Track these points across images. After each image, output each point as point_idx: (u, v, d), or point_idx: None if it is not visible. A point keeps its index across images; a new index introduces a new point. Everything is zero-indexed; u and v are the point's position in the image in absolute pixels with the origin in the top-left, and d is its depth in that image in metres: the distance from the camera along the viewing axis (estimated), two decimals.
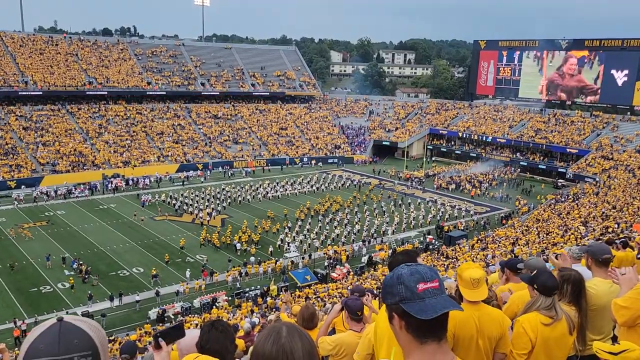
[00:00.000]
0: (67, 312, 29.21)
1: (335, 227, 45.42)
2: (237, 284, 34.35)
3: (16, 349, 24.80)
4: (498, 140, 73.68)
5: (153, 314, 29.78)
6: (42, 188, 53.69)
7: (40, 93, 68.13)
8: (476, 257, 32.32)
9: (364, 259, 38.78)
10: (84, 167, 60.13)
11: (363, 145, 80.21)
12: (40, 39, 78.29)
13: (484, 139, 75.05)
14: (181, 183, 60.08)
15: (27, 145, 60.86)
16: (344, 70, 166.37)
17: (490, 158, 71.40)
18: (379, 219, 47.77)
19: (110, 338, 26.16)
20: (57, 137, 63.60)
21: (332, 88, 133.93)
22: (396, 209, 51.44)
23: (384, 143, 79.85)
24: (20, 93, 66.66)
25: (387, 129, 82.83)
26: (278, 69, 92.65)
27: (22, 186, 53.52)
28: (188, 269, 35.36)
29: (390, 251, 39.50)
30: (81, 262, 35.55)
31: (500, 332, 3.62)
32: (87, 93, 71.90)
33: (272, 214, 47.81)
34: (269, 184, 58.67)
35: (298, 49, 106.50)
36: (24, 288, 32.58)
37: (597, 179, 55.39)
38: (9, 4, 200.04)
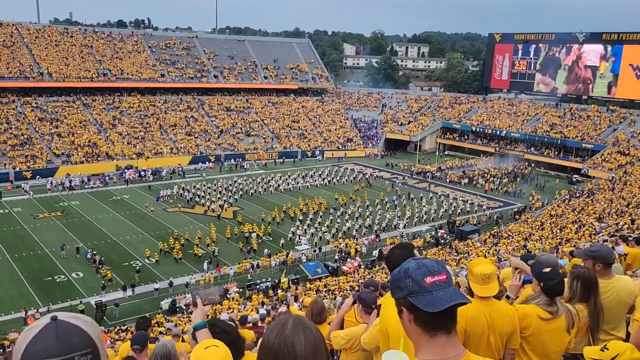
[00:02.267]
0: (80, 302, 29.60)
1: (347, 220, 45.42)
2: (249, 275, 34.53)
3: None
4: (512, 134, 73.03)
5: (165, 304, 30.09)
6: (58, 179, 54.25)
7: (55, 84, 68.71)
8: (488, 252, 32.16)
9: (375, 253, 38.78)
10: (98, 159, 60.66)
11: (375, 139, 79.98)
12: (55, 30, 78.89)
13: (498, 133, 74.42)
14: (199, 175, 60.24)
15: (42, 136, 61.50)
16: (357, 63, 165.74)
17: (505, 152, 70.85)
18: (390, 213, 47.67)
19: (123, 328, 26.47)
20: (71, 128, 64.17)
21: (344, 81, 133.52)
22: (408, 203, 51.27)
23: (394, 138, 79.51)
24: (35, 84, 67.29)
25: (399, 123, 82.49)
26: (291, 61, 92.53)
27: (37, 177, 54.14)
28: (206, 261, 35.56)
29: None
30: (95, 252, 35.93)
31: (512, 328, 3.59)
32: (101, 85, 72.37)
33: (292, 210, 47.74)
34: (280, 177, 58.79)
35: (311, 42, 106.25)
36: (38, 277, 33.02)
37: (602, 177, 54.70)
38: None
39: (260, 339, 1.99)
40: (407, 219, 46.47)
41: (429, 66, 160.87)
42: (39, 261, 35.34)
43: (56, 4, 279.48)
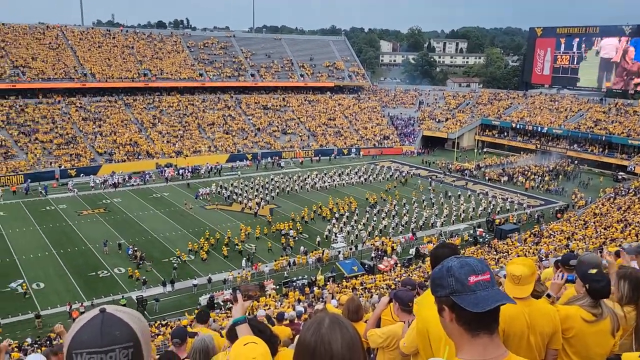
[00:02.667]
0: (122, 297, 30.41)
1: (383, 218, 45.18)
2: (285, 273, 34.77)
3: None
4: (554, 131, 71.10)
5: (203, 300, 30.58)
6: (101, 177, 55.87)
7: (98, 85, 70.73)
8: (529, 252, 31.43)
9: (412, 251, 38.44)
10: (139, 157, 62.13)
11: (412, 136, 79.24)
12: (98, 32, 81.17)
13: (539, 129, 72.58)
14: (235, 173, 60.99)
15: (85, 135, 63.41)
16: (394, 60, 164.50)
17: (546, 150, 69.08)
18: (427, 211, 47.17)
19: (163, 322, 27.06)
20: (113, 127, 65.94)
21: (381, 78, 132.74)
22: (445, 201, 50.65)
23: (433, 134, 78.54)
24: (79, 85, 69.44)
25: (437, 120, 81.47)
26: (327, 59, 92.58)
27: (81, 174, 55.91)
28: (244, 258, 35.95)
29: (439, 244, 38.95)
30: (136, 249, 36.83)
31: (553, 328, 3.49)
32: (142, 85, 74.11)
33: (327, 208, 47.77)
34: (316, 175, 58.93)
35: (347, 39, 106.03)
36: (82, 272, 34.08)
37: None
38: None
39: (297, 337, 2.00)
40: (444, 217, 45.89)
41: (467, 62, 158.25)
42: (83, 256, 36.47)
43: (99, 6, 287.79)
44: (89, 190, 52.61)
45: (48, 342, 23.42)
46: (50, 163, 56.94)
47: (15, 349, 21.13)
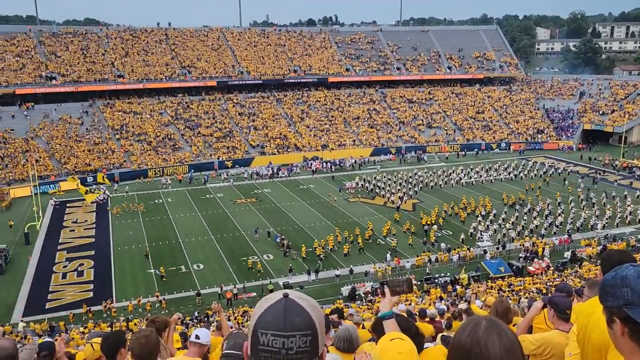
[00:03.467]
0: (270, 282, 32.23)
1: (534, 217, 42.30)
2: (427, 269, 34.20)
3: (230, 309, 28.20)
4: None
5: (345, 290, 31.23)
6: (254, 168, 59.82)
7: (253, 82, 75.64)
8: None
9: (567, 254, 35.47)
10: (288, 150, 65.30)
11: (570, 130, 72.97)
12: (254, 32, 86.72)
13: None
14: (375, 167, 61.46)
15: (241, 129, 68.21)
16: (552, 48, 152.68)
17: None
18: (586, 212, 43.16)
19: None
20: (265, 122, 70.05)
21: (536, 68, 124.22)
22: (608, 201, 45.93)
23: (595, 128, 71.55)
24: (236, 82, 74.87)
25: (601, 112, 74.01)
26: (477, 50, 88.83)
27: (236, 166, 60.37)
28: (388, 252, 36.07)
29: (599, 248, 35.49)
30: (283, 237, 38.78)
31: None
32: (292, 81, 77.69)
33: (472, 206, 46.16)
34: (462, 170, 56.97)
35: (500, 28, 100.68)
36: (235, 257, 36.78)
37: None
38: (231, 1, 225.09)
39: (440, 335, 1.89)
40: (606, 219, 41.62)
41: (639, 47, 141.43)
42: (236, 242, 39.35)
43: (255, 7, 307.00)
44: (242, 181, 56.56)
45: (206, 319, 25.68)
46: (210, 155, 62.26)
47: (179, 322, 23.48)
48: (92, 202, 48.10)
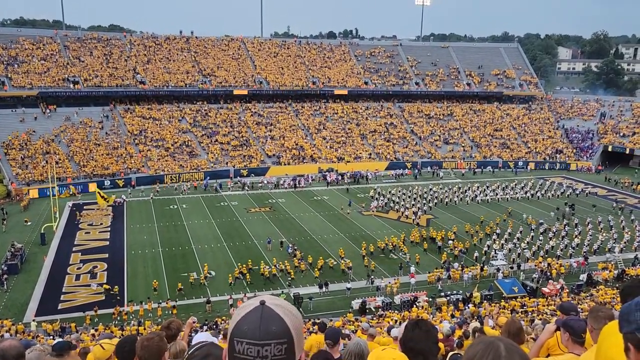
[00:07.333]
0: (282, 292, 32.11)
1: (550, 238, 41.72)
2: (439, 286, 33.84)
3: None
4: None
5: (356, 304, 30.98)
6: (269, 177, 59.94)
7: (272, 92, 76.08)
8: None
9: (583, 277, 34.88)
10: (303, 161, 65.39)
11: (590, 151, 72.13)
12: (274, 43, 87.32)
13: None
14: (387, 181, 61.16)
15: (257, 138, 68.52)
16: (573, 68, 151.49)
17: None
18: (604, 234, 42.48)
19: (317, 321, 27.92)
20: (282, 132, 70.30)
21: (556, 87, 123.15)
22: (627, 225, 45.16)
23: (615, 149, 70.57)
24: (255, 92, 75.36)
25: (621, 134, 73.12)
26: (497, 67, 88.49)
27: (252, 174, 60.55)
28: (399, 267, 35.78)
29: (616, 272, 34.86)
30: (296, 248, 38.69)
31: None
32: (310, 92, 77.98)
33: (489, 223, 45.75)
34: (478, 187, 56.51)
35: (520, 46, 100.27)
36: (247, 264, 36.64)
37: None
38: (252, 12, 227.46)
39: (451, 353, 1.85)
40: (624, 242, 40.90)
41: None
42: (248, 251, 39.31)
43: (277, 18, 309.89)
44: (257, 190, 56.69)
45: (214, 326, 25.63)
46: (227, 163, 62.58)
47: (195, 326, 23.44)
48: (108, 206, 48.54)
